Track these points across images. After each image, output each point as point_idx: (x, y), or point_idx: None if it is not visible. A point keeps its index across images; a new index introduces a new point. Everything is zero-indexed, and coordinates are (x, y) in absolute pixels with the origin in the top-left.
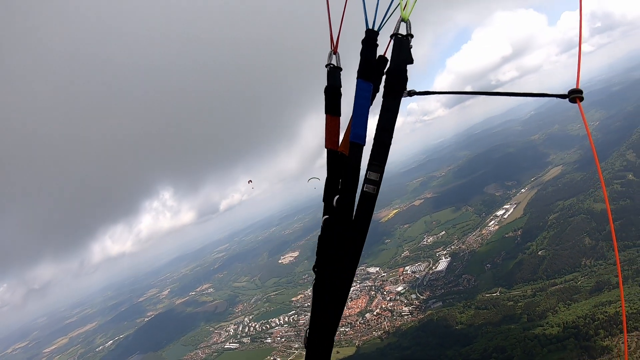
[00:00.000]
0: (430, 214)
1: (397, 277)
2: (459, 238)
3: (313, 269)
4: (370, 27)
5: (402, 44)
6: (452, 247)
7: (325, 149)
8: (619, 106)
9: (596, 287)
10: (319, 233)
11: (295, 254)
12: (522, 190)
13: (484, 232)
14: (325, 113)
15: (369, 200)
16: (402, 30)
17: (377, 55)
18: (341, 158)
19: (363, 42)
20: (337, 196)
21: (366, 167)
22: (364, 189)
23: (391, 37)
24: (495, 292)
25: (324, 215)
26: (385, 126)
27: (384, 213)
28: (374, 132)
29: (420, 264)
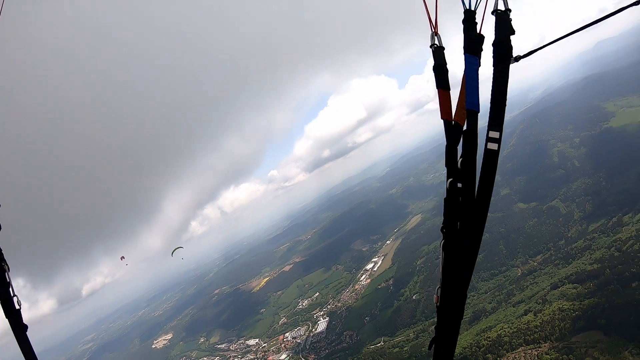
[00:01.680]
0: (302, 278)
1: (278, 345)
2: (334, 297)
3: (441, 230)
4: (468, 7)
5: (503, 18)
6: (329, 306)
7: (442, 120)
8: None
9: (474, 317)
10: (445, 196)
11: (169, 336)
12: (388, 241)
13: (357, 287)
14: (437, 88)
15: (493, 156)
16: (501, 6)
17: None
18: (456, 126)
19: (464, 21)
20: (461, 158)
21: (487, 128)
22: (488, 147)
23: (492, 12)
24: (379, 342)
25: (448, 179)
26: (501, 90)
27: (254, 283)
28: (490, 97)
29: (299, 329)
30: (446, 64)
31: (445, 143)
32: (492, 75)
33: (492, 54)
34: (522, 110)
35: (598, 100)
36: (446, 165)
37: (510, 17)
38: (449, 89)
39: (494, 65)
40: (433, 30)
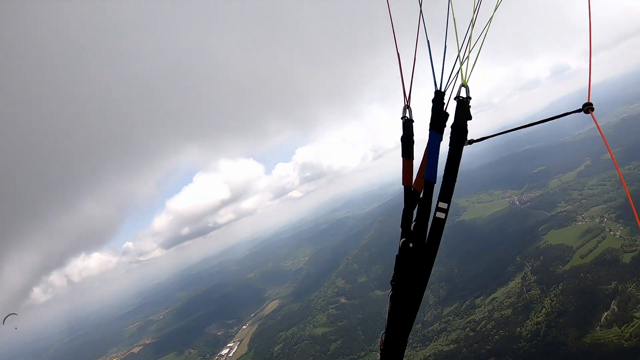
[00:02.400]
0: None
1: None
2: None
3: (390, 283)
4: (438, 89)
5: (463, 105)
6: None
7: (402, 185)
8: (326, 242)
9: None
10: (397, 253)
11: None
12: (244, 326)
13: None
14: (402, 157)
15: (440, 224)
16: (463, 94)
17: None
18: (414, 193)
19: (433, 100)
20: (414, 222)
21: (437, 199)
22: (436, 216)
23: (455, 99)
24: None
25: (402, 239)
26: (453, 167)
27: None
28: (443, 171)
29: None
30: (413, 135)
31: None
32: (447, 153)
33: (449, 135)
34: (381, 204)
35: (453, 197)
36: (401, 227)
37: (470, 104)
38: (413, 159)
39: (450, 145)
40: (406, 103)
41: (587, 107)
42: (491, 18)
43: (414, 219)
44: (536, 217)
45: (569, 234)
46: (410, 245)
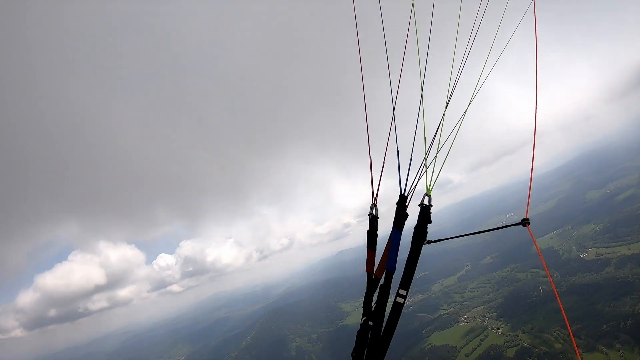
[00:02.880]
0: None
1: None
2: None
3: (351, 355)
4: (402, 193)
5: (425, 211)
6: None
7: (366, 272)
8: (204, 341)
9: None
10: (358, 329)
11: None
12: None
13: None
14: (367, 248)
15: (399, 307)
16: (426, 202)
17: (405, 211)
18: (375, 279)
19: (397, 203)
20: (375, 304)
21: (398, 286)
22: (396, 300)
23: (419, 205)
24: None
25: (363, 317)
26: (413, 261)
27: None
28: (404, 263)
29: None
30: (377, 230)
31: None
32: (409, 250)
33: (412, 235)
34: (264, 305)
35: (335, 301)
36: (363, 307)
37: (430, 211)
38: (375, 250)
39: (412, 244)
40: (373, 202)
41: (525, 222)
42: (454, 139)
43: (374, 301)
44: (419, 320)
45: (452, 334)
46: (370, 323)
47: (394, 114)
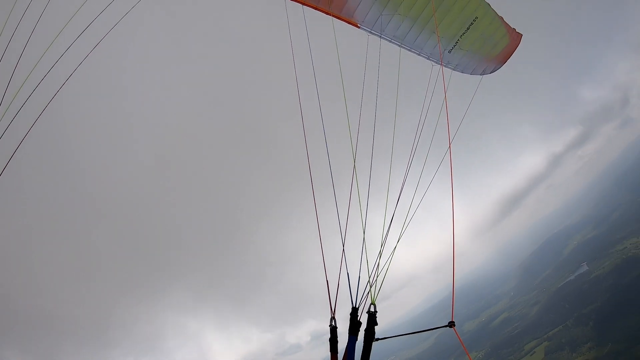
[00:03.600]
0: None
1: None
2: None
3: None
4: (354, 305)
5: (372, 316)
6: None
7: None
8: None
9: None
10: None
11: None
12: None
13: None
14: (330, 352)
15: None
16: (372, 309)
17: (358, 319)
18: None
19: (350, 314)
20: None
21: None
22: None
23: (367, 312)
24: None
25: None
26: (366, 357)
27: None
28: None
29: None
30: (337, 337)
31: None
32: (362, 346)
33: (364, 336)
34: None
35: None
36: None
37: (376, 316)
38: (337, 353)
39: (364, 343)
40: (332, 314)
41: (451, 324)
42: (390, 259)
43: None
44: None
45: None
46: None
47: (343, 246)
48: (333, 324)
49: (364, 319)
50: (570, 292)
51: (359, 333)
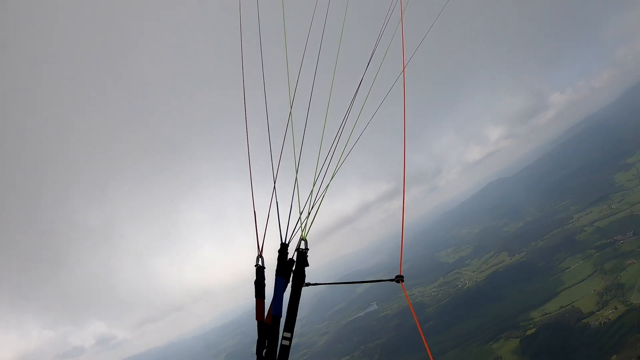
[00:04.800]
0: None
1: None
2: None
3: None
4: (283, 241)
5: (303, 255)
6: None
7: (256, 320)
8: None
9: None
10: None
11: None
12: None
13: None
14: (255, 297)
15: (286, 349)
16: (302, 246)
17: (287, 258)
18: (266, 326)
19: (279, 251)
20: (265, 349)
21: (282, 329)
22: (282, 343)
23: (295, 250)
24: None
25: None
26: (294, 304)
27: None
28: (287, 307)
29: None
30: (264, 279)
31: None
32: (290, 293)
33: (291, 278)
34: None
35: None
36: (256, 353)
37: (307, 254)
38: (264, 298)
39: (292, 287)
40: (259, 252)
41: (399, 278)
42: (328, 185)
43: (264, 346)
44: None
45: None
46: None
47: (275, 177)
48: (260, 263)
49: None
50: (359, 327)
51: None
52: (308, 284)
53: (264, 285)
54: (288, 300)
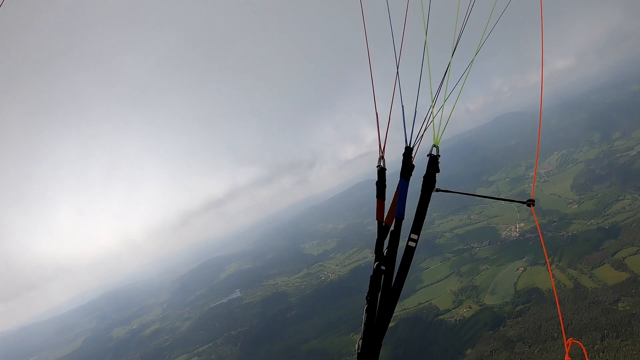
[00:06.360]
0: None
1: None
2: None
3: (366, 298)
4: (408, 144)
5: (434, 161)
6: None
7: (377, 220)
8: None
9: None
10: (371, 274)
11: None
12: None
13: None
14: (377, 198)
15: (411, 251)
16: (434, 152)
17: (412, 162)
18: (385, 227)
19: (404, 155)
20: (386, 249)
21: (410, 231)
22: (408, 244)
23: (427, 156)
24: None
25: (375, 262)
26: (423, 208)
27: None
28: (415, 210)
29: None
30: (385, 180)
31: None
32: (419, 197)
33: (422, 183)
34: None
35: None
36: (375, 253)
37: (439, 161)
38: (384, 199)
39: (422, 191)
40: (380, 154)
41: (530, 202)
42: (460, 90)
43: (385, 247)
44: None
45: None
46: (382, 267)
47: (397, 68)
48: (381, 164)
49: (419, 163)
50: (222, 313)
51: (411, 177)
52: (438, 190)
53: (385, 186)
54: (417, 204)
